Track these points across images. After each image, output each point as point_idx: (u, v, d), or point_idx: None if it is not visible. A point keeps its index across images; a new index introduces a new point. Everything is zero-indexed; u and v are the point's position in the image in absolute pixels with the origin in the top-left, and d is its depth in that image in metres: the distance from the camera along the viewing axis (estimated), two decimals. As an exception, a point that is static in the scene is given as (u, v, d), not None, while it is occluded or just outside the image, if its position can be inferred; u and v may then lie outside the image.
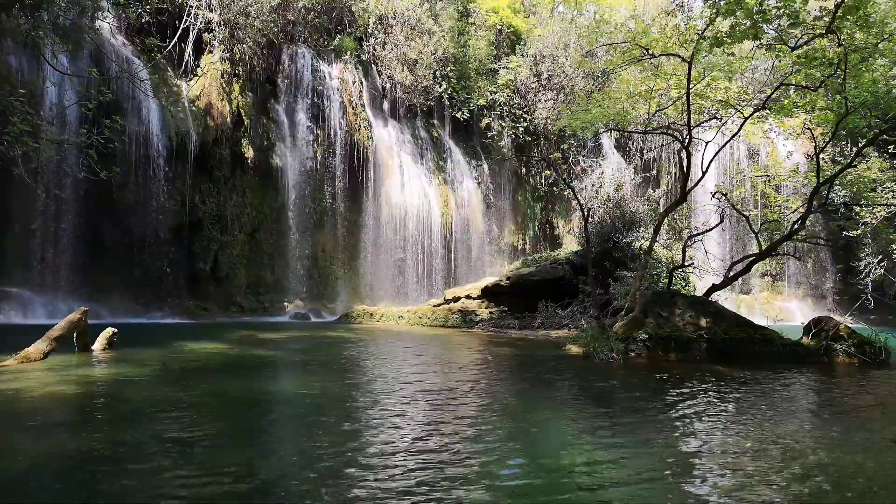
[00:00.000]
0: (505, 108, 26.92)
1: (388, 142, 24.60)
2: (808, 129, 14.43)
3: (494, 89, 26.77)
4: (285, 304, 21.55)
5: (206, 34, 20.66)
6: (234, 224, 20.91)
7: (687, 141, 12.72)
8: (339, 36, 24.53)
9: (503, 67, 27.04)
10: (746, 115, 12.80)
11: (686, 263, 13.67)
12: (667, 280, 14.11)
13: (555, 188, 27.10)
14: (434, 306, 19.08)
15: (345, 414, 5.62)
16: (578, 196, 15.28)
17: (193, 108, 19.82)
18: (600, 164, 21.30)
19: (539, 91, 26.96)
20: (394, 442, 4.59)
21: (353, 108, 23.74)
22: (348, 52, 24.40)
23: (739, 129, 13.36)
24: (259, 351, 10.65)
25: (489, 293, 18.62)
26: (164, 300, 18.73)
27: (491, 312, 17.81)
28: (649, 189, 22.90)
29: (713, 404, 6.41)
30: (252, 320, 19.14)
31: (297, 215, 22.22)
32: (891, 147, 18.19)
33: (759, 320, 14.78)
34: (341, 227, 23.24)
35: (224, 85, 20.79)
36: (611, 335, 10.42)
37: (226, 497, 3.41)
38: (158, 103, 18.56)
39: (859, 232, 18.21)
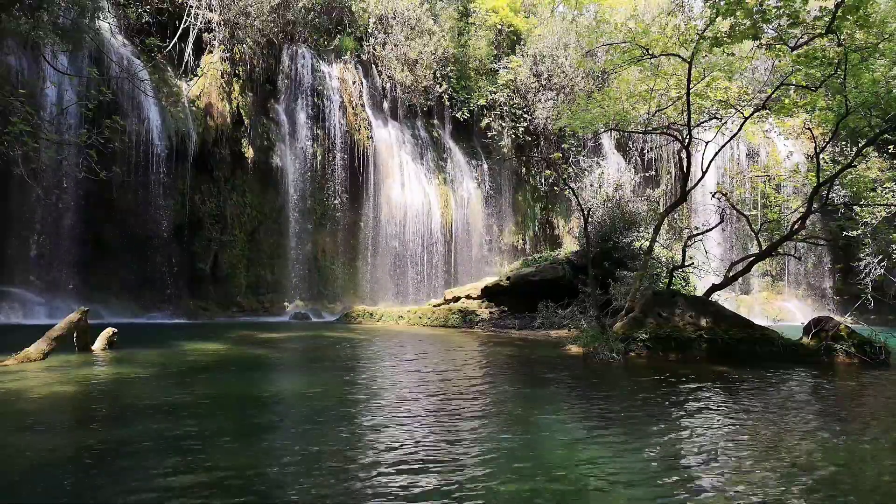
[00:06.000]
0: (505, 108, 26.92)
1: (388, 142, 24.60)
2: (808, 129, 14.41)
3: (494, 89, 26.78)
4: (285, 304, 21.55)
5: (206, 34, 20.67)
6: (234, 224, 20.92)
7: (687, 141, 12.72)
8: (339, 36, 24.53)
9: (503, 67, 27.04)
10: (746, 115, 12.80)
11: (686, 263, 13.66)
12: (667, 280, 14.11)
13: (555, 188, 27.09)
14: (434, 306, 19.08)
15: (345, 414, 5.62)
16: (578, 196, 15.27)
17: (193, 108, 19.83)
18: (600, 164, 21.26)
19: (539, 91, 26.96)
20: (394, 442, 4.59)
21: (353, 108, 23.74)
22: (348, 52, 24.40)
23: (739, 129, 13.35)
24: (259, 351, 10.65)
25: (489, 293, 18.62)
26: (164, 300, 18.74)
27: (491, 312, 17.81)
28: (649, 189, 22.88)
29: (713, 404, 6.41)
30: (252, 320, 19.15)
31: (297, 215, 22.23)
32: (891, 147, 18.19)
33: (759, 320, 14.77)
34: (341, 227, 23.25)
35: (224, 85, 20.79)
36: (611, 335, 10.41)
37: (226, 497, 3.41)
38: (158, 103, 18.56)
39: (859, 232, 18.18)
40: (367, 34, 24.99)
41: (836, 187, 14.33)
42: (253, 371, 8.38)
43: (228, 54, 21.00)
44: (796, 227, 12.56)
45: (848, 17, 9.64)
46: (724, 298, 19.35)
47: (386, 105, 25.37)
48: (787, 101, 12.56)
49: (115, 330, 9.77)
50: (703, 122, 13.63)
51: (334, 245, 23.36)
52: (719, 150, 13.93)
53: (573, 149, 26.83)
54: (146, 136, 18.32)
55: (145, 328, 14.79)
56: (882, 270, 20.13)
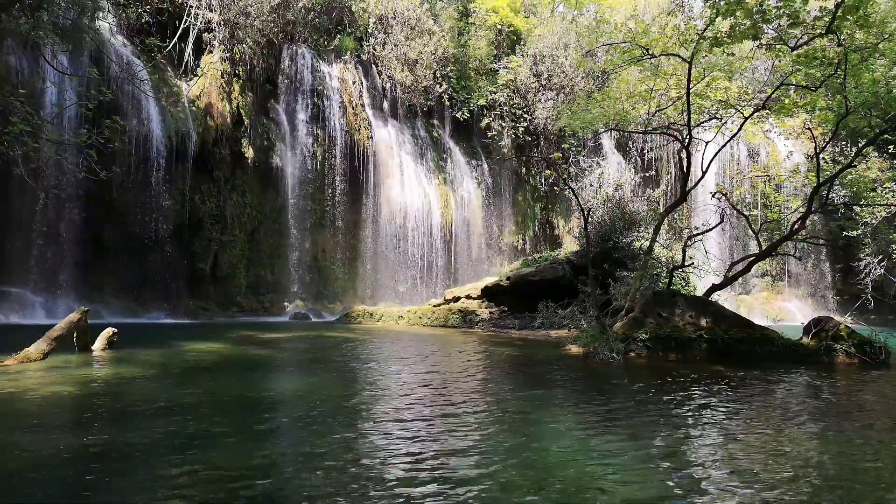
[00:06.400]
0: (505, 108, 26.92)
1: (388, 142, 24.60)
2: (808, 129, 14.40)
3: (494, 89, 26.78)
4: (285, 304, 21.55)
5: (206, 34, 20.67)
6: (234, 224, 20.92)
7: (687, 141, 12.72)
8: (339, 36, 24.53)
9: (503, 67, 27.04)
10: (746, 115, 12.80)
11: (686, 263, 13.67)
12: (667, 280, 14.11)
13: (555, 188, 27.11)
14: (434, 306, 19.08)
15: (345, 415, 5.62)
16: (578, 196, 15.27)
17: (193, 108, 19.82)
18: (600, 164, 21.27)
19: (539, 91, 26.96)
20: (395, 444, 4.59)
21: (353, 108, 23.74)
22: (348, 52, 24.40)
23: (739, 129, 13.35)
24: (259, 351, 10.65)
25: (489, 293, 18.62)
26: (164, 300, 18.74)
27: (491, 312, 17.81)
28: (649, 189, 22.89)
29: (713, 405, 6.41)
30: (252, 320, 19.14)
31: (297, 215, 22.23)
32: (891, 147, 18.19)
33: (759, 320, 14.78)
34: (341, 227, 23.25)
35: (224, 85, 20.79)
36: (611, 335, 10.41)
37: (226, 497, 3.41)
38: (158, 103, 18.56)
39: (859, 232, 18.20)
40: (367, 34, 24.99)
41: (836, 187, 14.34)
42: (253, 371, 8.38)
43: (228, 54, 21.00)
44: (796, 227, 12.56)
45: (848, 17, 9.64)
46: (724, 298, 19.36)
47: (386, 105, 25.37)
48: (787, 101, 12.56)
49: (115, 330, 9.77)
50: (703, 122, 13.63)
51: (334, 245, 23.36)
52: (719, 150, 13.93)
53: (573, 149, 26.83)
54: (146, 136, 18.32)
55: (145, 328, 14.79)
56: (882, 270, 20.13)
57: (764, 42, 11.28)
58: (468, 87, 26.86)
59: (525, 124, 27.10)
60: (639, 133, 20.72)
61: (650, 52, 12.07)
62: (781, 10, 10.07)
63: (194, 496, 3.39)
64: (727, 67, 12.46)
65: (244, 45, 21.22)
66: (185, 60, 20.34)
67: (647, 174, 25.20)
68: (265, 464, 4.01)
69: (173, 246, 19.12)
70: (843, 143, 20.21)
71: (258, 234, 21.83)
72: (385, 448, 4.42)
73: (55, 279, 17.09)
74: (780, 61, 13.35)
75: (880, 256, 19.96)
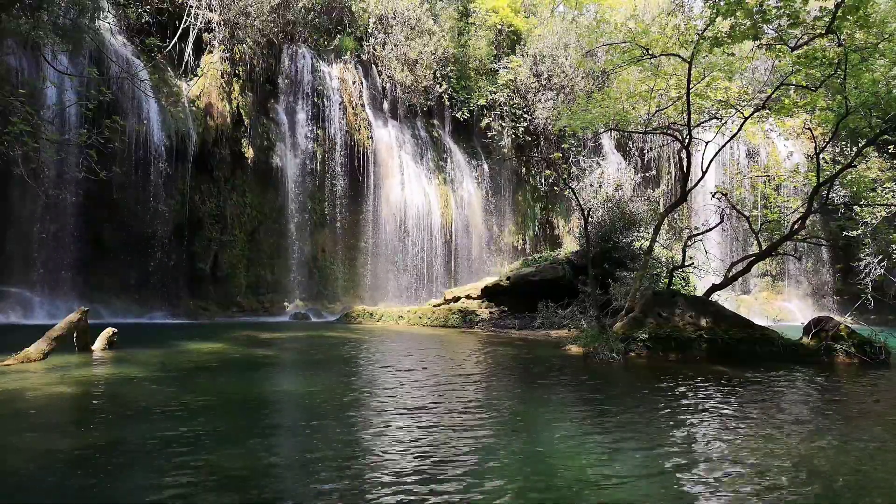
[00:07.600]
0: (505, 108, 26.91)
1: (388, 142, 24.60)
2: (808, 129, 14.39)
3: (494, 89, 26.77)
4: (285, 304, 21.55)
5: (206, 34, 20.66)
6: (234, 224, 20.91)
7: (687, 141, 12.72)
8: (339, 36, 24.53)
9: (503, 67, 27.04)
10: (746, 115, 12.80)
11: (686, 263, 13.67)
12: (667, 280, 14.11)
13: (555, 188, 27.10)
14: (434, 306, 19.07)
15: (346, 415, 5.62)
16: (578, 196, 15.27)
17: (193, 108, 19.82)
18: (600, 164, 21.28)
19: (539, 91, 26.95)
20: (394, 444, 4.59)
21: (353, 108, 23.74)
22: (348, 52, 24.40)
23: (739, 129, 13.36)
24: (259, 351, 10.65)
25: (489, 293, 18.61)
26: (164, 300, 18.73)
27: (491, 312, 17.81)
28: (649, 189, 22.89)
29: (714, 405, 6.41)
30: (252, 320, 19.14)
31: (297, 215, 22.22)
32: (891, 147, 18.18)
33: (759, 320, 14.78)
34: (341, 227, 23.25)
35: (224, 85, 20.79)
36: (611, 335, 10.41)
37: (227, 498, 3.41)
38: (158, 103, 18.55)
39: (859, 232, 18.21)
40: (367, 34, 24.99)
41: (836, 187, 14.34)
42: (253, 371, 8.38)
43: (228, 54, 20.99)
44: (796, 227, 12.57)
45: (848, 17, 9.64)
46: (724, 298, 19.35)
47: (386, 105, 25.36)
48: (787, 101, 12.56)
49: (115, 330, 9.77)
50: (703, 122, 13.63)
51: (334, 245, 23.35)
52: (719, 150, 13.93)
53: (573, 149, 26.81)
54: (146, 137, 18.31)
55: (145, 328, 14.79)
56: (882, 270, 20.12)
57: (764, 42, 11.29)
58: (468, 87, 26.86)
59: (525, 124, 27.09)
60: (639, 133, 20.72)
61: (650, 52, 12.07)
62: (781, 10, 10.08)
63: (195, 497, 3.39)
64: (727, 67, 12.45)
65: (244, 45, 21.21)
66: (185, 60, 20.33)
67: (647, 174, 25.18)
68: (266, 464, 4.01)
69: (173, 246, 19.11)
70: (843, 143, 20.22)
71: (258, 234, 21.83)
72: (386, 449, 4.42)
73: (55, 279, 17.08)
74: (780, 61, 13.36)
75: (880, 256, 19.95)
